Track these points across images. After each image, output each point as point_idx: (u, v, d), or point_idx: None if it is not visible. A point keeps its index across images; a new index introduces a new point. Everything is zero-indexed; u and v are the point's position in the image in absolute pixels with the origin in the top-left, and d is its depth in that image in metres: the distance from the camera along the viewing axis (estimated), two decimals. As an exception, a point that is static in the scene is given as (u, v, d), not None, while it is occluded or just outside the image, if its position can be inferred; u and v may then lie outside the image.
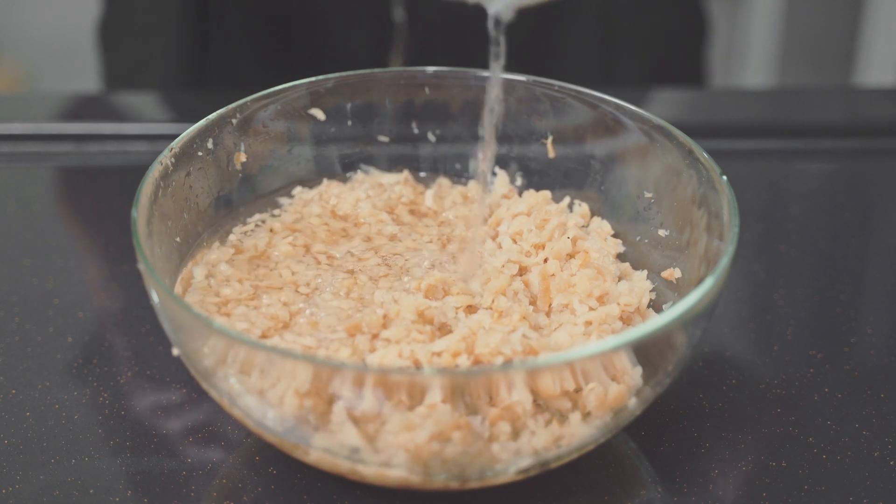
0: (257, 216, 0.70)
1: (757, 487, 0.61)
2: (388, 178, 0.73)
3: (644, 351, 0.56)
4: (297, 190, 0.72)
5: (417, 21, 1.07)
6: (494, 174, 0.74)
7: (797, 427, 0.65)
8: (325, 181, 0.73)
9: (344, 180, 0.74)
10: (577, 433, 0.56)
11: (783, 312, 0.73)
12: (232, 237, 0.68)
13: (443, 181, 0.74)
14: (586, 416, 0.57)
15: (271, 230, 0.68)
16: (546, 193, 0.71)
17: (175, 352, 0.58)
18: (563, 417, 0.57)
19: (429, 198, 0.72)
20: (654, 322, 0.55)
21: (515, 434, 0.56)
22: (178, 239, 0.65)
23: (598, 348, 0.54)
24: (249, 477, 0.62)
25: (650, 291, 0.65)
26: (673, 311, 0.55)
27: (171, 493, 0.61)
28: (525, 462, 0.56)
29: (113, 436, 0.64)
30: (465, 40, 0.99)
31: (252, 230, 0.69)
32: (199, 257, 0.66)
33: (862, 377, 0.69)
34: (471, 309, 0.62)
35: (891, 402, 0.67)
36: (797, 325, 0.72)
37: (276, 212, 0.71)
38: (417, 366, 0.57)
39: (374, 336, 0.59)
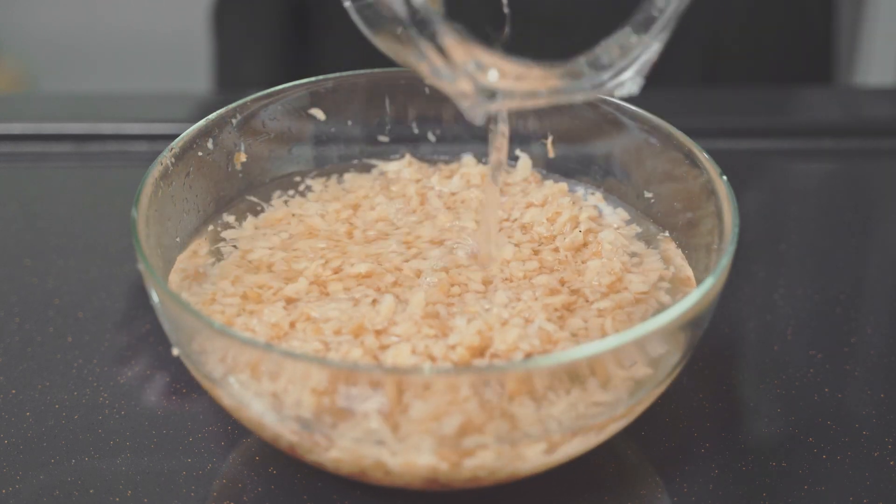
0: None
1: (757, 487, 0.61)
2: (392, 166, 0.74)
3: (644, 350, 0.56)
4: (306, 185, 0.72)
5: None
6: (517, 157, 0.74)
7: (797, 427, 0.65)
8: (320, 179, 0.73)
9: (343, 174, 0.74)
10: (597, 399, 0.56)
11: (783, 312, 0.73)
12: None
13: (468, 159, 0.74)
14: (605, 383, 0.56)
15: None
16: (563, 186, 0.71)
17: (175, 352, 0.58)
18: (581, 383, 0.56)
19: (434, 181, 0.72)
20: (654, 322, 0.55)
21: (537, 406, 0.55)
22: (178, 239, 0.65)
23: (598, 348, 0.54)
24: (249, 477, 0.62)
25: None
26: (673, 311, 0.55)
27: (171, 493, 0.61)
28: (547, 439, 0.55)
29: (113, 436, 0.64)
30: None
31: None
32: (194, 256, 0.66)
33: (862, 377, 0.69)
34: (472, 313, 0.62)
35: (891, 402, 0.67)
36: (797, 325, 0.72)
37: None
38: (433, 361, 0.57)
39: (381, 332, 0.59)
